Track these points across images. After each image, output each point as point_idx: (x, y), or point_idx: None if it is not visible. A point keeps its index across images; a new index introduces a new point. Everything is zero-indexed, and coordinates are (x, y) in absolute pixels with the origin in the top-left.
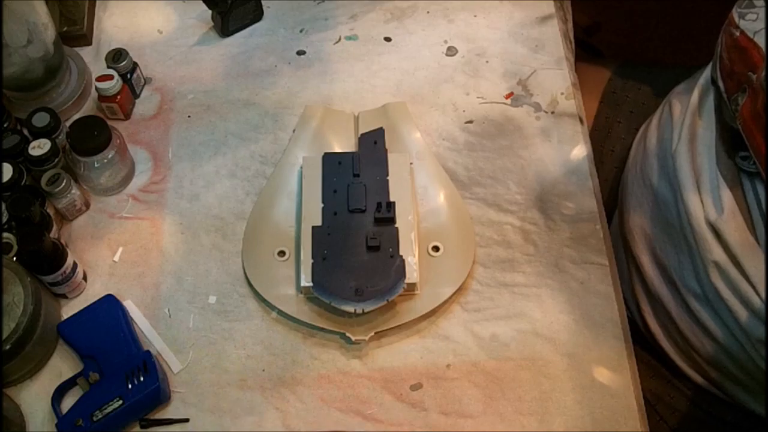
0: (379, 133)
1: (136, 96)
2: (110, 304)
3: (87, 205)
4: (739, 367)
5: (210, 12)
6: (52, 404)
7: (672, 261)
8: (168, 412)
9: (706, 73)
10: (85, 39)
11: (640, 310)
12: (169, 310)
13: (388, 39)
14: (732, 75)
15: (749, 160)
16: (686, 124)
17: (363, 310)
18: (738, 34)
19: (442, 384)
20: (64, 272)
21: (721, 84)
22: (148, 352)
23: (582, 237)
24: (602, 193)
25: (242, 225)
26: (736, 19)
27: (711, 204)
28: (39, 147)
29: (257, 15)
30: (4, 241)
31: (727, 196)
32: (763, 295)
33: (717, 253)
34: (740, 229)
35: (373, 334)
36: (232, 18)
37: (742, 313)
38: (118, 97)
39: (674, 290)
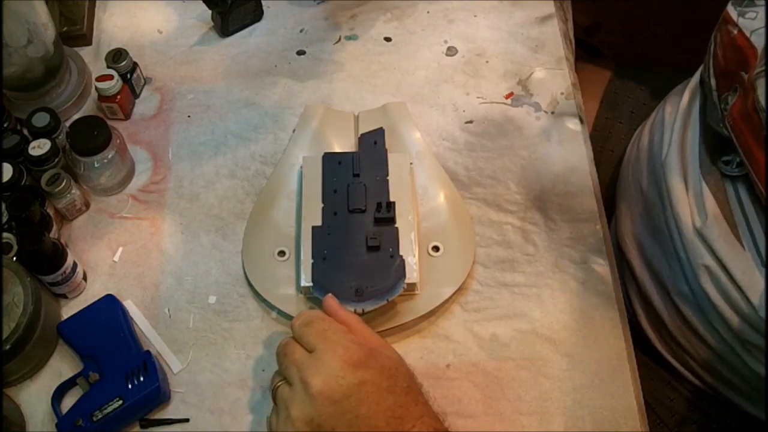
0: (379, 133)
1: (136, 96)
2: (110, 304)
3: (87, 205)
4: (732, 371)
5: (210, 12)
6: (52, 404)
7: (662, 265)
8: (168, 412)
9: (696, 76)
10: (85, 39)
11: (635, 314)
12: (169, 310)
13: (388, 39)
14: (725, 74)
15: (731, 165)
16: (676, 127)
17: (363, 310)
18: (735, 32)
19: (442, 384)
20: (64, 272)
21: (713, 82)
22: (148, 352)
23: (582, 237)
24: (602, 193)
25: (242, 225)
26: (734, 16)
27: (696, 210)
28: (39, 147)
29: (257, 15)
30: (4, 241)
31: (710, 201)
32: (752, 299)
33: (706, 258)
34: (725, 234)
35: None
36: (232, 18)
37: (732, 318)
38: (118, 97)
39: (665, 295)
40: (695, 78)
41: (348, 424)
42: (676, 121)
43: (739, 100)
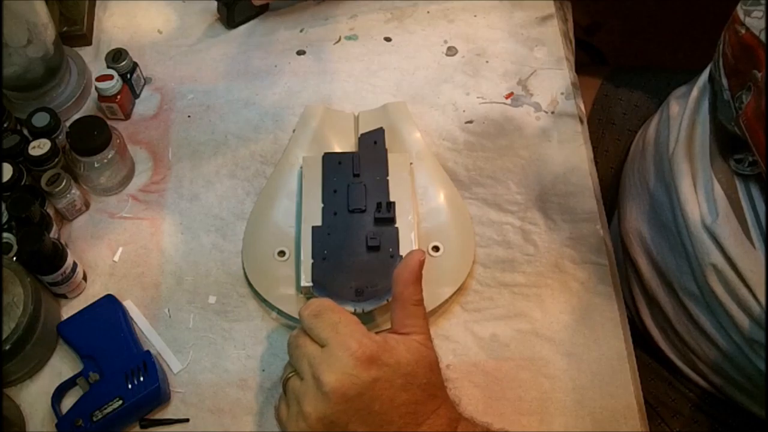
0: (379, 133)
1: (136, 96)
2: (110, 304)
3: (87, 205)
4: (739, 371)
5: (216, 4)
6: (52, 404)
7: (669, 264)
8: (168, 412)
9: (705, 74)
10: (85, 39)
11: (638, 312)
12: (169, 310)
13: (388, 39)
14: (736, 73)
15: (743, 163)
16: (684, 126)
17: (363, 310)
18: (743, 32)
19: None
20: (64, 272)
21: (724, 81)
22: (148, 352)
23: (582, 237)
24: None
25: (242, 225)
26: (741, 16)
27: (706, 208)
28: (39, 147)
29: (263, 7)
30: (4, 241)
31: (721, 199)
32: (761, 299)
33: (714, 256)
34: (735, 232)
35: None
36: (237, 9)
37: (740, 317)
38: (118, 97)
39: (672, 293)
40: (703, 76)
41: (361, 420)
42: (683, 119)
43: (753, 99)
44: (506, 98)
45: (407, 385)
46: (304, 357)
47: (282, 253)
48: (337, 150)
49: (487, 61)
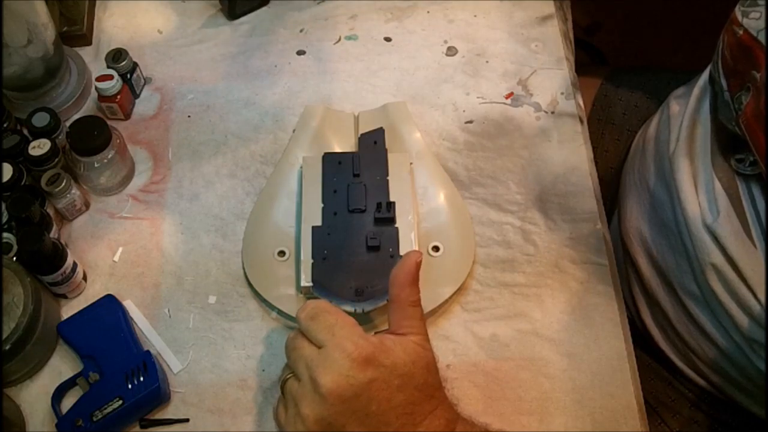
0: (379, 133)
1: (136, 96)
2: (110, 304)
3: (87, 205)
4: (739, 371)
5: (215, 4)
6: (52, 404)
7: (669, 263)
8: (168, 412)
9: (705, 74)
10: (85, 39)
11: (638, 312)
12: (169, 310)
13: (388, 39)
14: (735, 73)
15: (744, 163)
16: (684, 125)
17: (363, 310)
18: (741, 32)
19: (442, 384)
20: (64, 272)
21: (723, 82)
22: (148, 352)
23: (582, 237)
24: None
25: (242, 225)
26: (739, 17)
27: (707, 207)
28: (39, 147)
29: None
30: (4, 241)
31: (722, 198)
32: (761, 298)
33: (714, 255)
34: (736, 232)
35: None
36: (239, 0)
37: (740, 317)
38: (118, 97)
39: (672, 293)
40: (703, 76)
41: (359, 421)
42: (684, 118)
43: (752, 99)
44: (506, 98)
45: (404, 386)
46: (301, 359)
47: (282, 253)
48: (337, 150)
49: (487, 61)
